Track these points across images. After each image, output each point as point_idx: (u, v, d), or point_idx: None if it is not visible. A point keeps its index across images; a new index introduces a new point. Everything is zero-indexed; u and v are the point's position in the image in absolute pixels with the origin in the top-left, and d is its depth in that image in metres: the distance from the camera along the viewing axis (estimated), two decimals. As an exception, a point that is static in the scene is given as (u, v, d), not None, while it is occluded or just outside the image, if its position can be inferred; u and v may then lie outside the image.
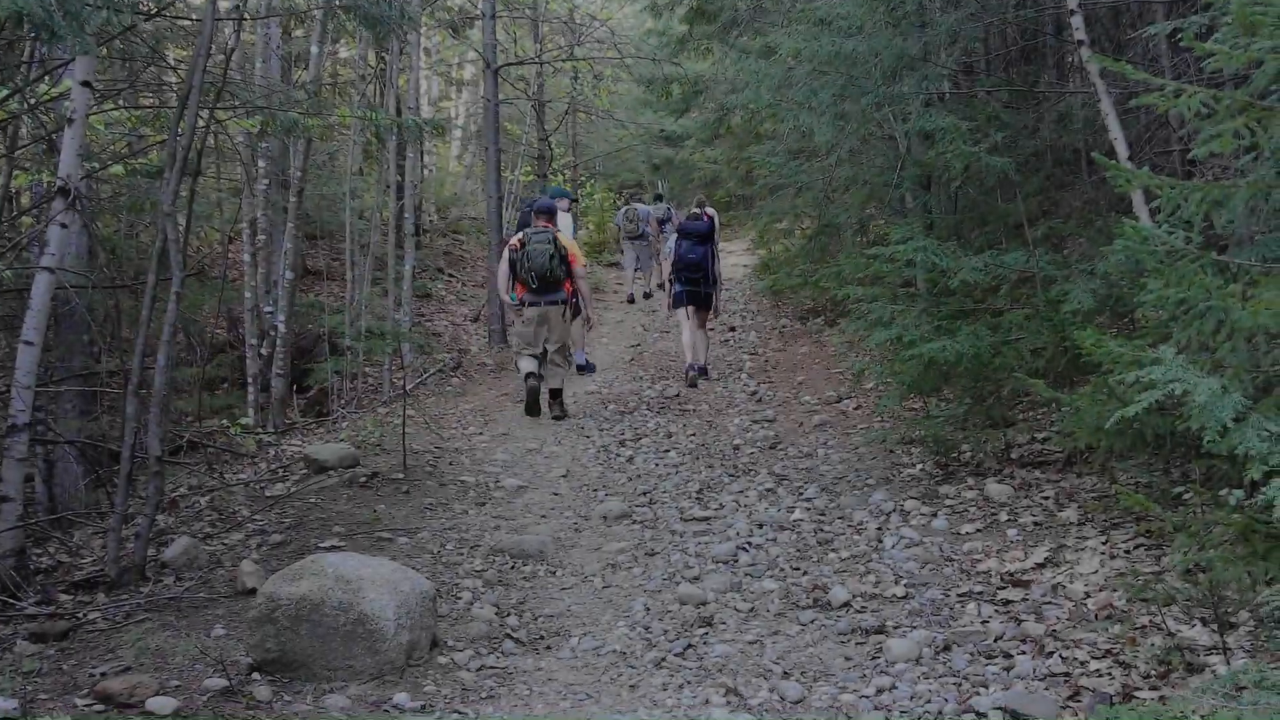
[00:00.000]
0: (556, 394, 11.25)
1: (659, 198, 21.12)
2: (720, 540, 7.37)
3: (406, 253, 15.92)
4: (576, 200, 14.30)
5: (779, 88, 10.38)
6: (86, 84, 6.87)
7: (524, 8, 21.75)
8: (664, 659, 5.56)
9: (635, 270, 19.44)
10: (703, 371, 12.92)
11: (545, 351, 11.07)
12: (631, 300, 19.30)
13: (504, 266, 11.00)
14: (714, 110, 20.19)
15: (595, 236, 24.86)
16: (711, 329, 13.97)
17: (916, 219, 9.56)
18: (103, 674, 5.29)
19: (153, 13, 9.49)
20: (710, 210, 13.57)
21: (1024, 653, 5.08)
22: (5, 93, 8.27)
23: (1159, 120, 9.06)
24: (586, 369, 13.51)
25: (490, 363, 14.94)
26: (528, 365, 11.11)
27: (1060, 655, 4.95)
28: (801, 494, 8.29)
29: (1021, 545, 6.48)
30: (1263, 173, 4.61)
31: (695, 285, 12.76)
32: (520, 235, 10.96)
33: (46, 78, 8.86)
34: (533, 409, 11.23)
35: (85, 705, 4.97)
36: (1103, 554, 6.00)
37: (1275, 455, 4.01)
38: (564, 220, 13.11)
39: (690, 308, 12.80)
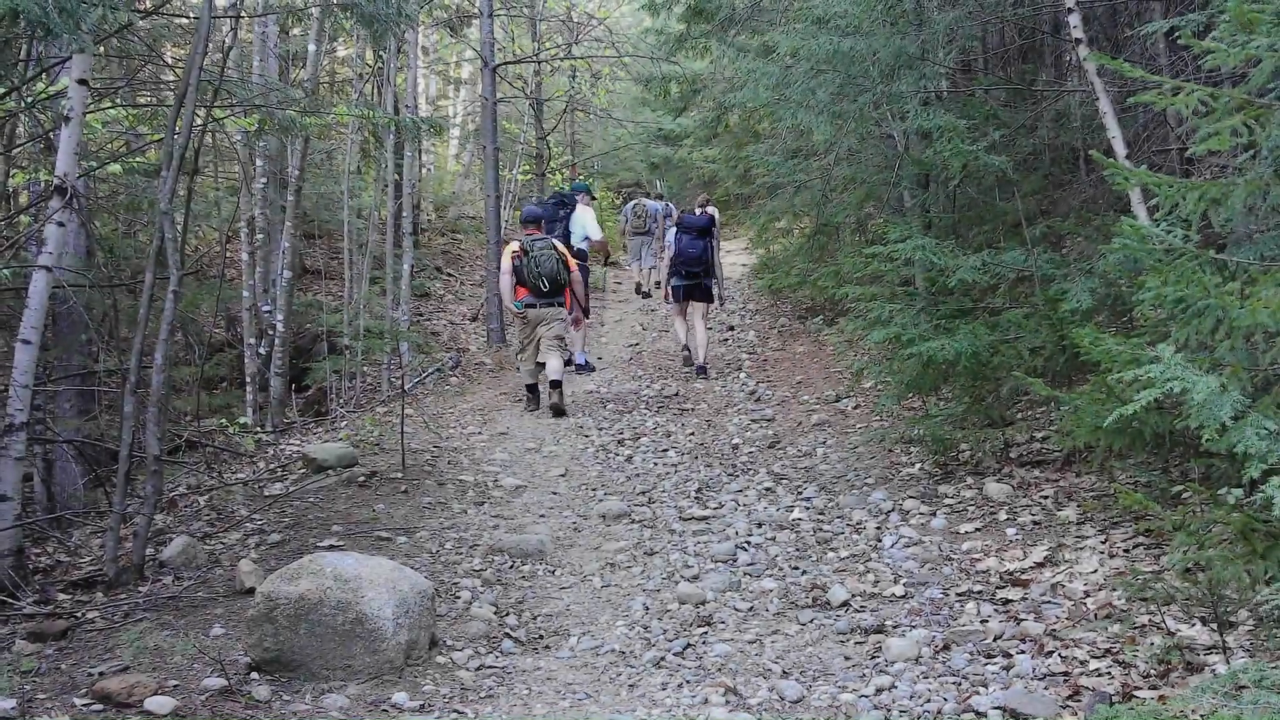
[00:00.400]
0: (556, 385, 11.40)
1: (660, 196, 21.17)
2: (719, 539, 7.37)
3: (405, 252, 15.93)
4: (595, 197, 14.51)
5: (777, 86, 10.37)
6: (83, 82, 6.87)
7: (521, 6, 21.73)
8: (663, 658, 5.55)
9: (639, 264, 19.51)
10: (702, 370, 13.02)
11: (541, 351, 11.34)
12: (639, 289, 19.34)
13: (505, 277, 11.30)
14: (712, 109, 20.17)
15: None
16: (710, 329, 13.97)
17: (915, 218, 9.57)
18: (101, 673, 5.28)
19: (150, 10, 9.49)
20: (712, 209, 13.63)
21: (1023, 652, 5.08)
22: (2, 91, 8.26)
23: (1157, 118, 9.06)
24: (585, 369, 13.53)
25: (489, 362, 14.94)
26: (529, 378, 11.62)
27: (1060, 654, 4.95)
28: (800, 493, 8.29)
29: (1020, 544, 6.47)
30: (1260, 170, 4.61)
31: (695, 279, 12.87)
32: (520, 244, 11.26)
33: (43, 76, 8.86)
34: (530, 404, 11.65)
35: (83, 705, 4.96)
36: (1102, 553, 6.00)
37: (1274, 453, 4.00)
38: (586, 213, 13.34)
39: (690, 303, 12.96)
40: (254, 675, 5.32)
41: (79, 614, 6.17)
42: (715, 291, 13.19)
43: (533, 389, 11.65)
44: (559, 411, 11.31)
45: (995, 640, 5.29)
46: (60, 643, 5.75)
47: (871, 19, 9.08)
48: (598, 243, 13.80)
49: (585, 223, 13.45)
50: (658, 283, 18.34)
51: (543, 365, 11.40)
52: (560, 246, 11.42)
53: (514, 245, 11.36)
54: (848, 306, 9.96)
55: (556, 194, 14.23)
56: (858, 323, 8.95)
